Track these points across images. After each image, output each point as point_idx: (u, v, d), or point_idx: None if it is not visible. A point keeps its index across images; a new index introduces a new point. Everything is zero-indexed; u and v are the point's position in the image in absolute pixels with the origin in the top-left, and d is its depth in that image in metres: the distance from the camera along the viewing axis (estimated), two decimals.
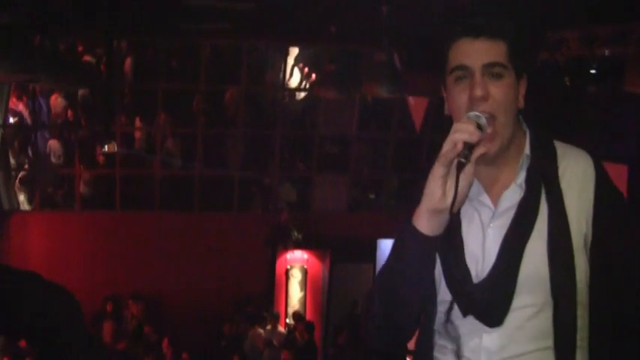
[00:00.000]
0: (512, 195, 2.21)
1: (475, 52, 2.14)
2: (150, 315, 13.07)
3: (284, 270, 14.92)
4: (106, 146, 12.29)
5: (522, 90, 2.22)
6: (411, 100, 14.97)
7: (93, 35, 12.57)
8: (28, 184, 14.19)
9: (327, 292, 15.11)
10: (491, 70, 2.12)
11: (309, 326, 12.85)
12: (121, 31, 11.81)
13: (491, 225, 2.22)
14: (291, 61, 15.13)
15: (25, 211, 14.11)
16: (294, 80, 15.23)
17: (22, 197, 14.22)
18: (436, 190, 2.04)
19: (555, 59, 8.66)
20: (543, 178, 2.21)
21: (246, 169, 14.67)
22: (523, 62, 2.21)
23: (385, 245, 17.32)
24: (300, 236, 14.29)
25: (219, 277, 13.93)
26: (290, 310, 14.63)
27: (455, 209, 2.05)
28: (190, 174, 14.47)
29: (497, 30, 2.15)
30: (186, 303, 13.71)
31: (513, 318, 2.16)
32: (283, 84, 14.88)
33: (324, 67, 13.30)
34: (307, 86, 15.04)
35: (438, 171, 2.03)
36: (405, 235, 2.13)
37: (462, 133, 2.00)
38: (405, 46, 10.28)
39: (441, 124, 13.76)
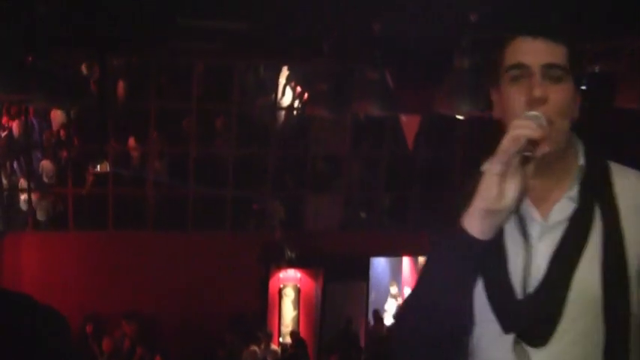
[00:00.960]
0: (564, 208, 2.07)
1: (535, 52, 2.02)
2: (143, 334, 13.02)
3: (277, 289, 14.92)
4: (99, 166, 12.29)
5: (579, 100, 2.10)
6: (404, 117, 15.01)
7: (86, 54, 12.58)
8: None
9: (321, 311, 15.10)
10: (550, 73, 2.00)
11: (302, 343, 12.85)
12: (113, 51, 11.82)
13: (540, 239, 2.07)
14: (283, 80, 15.18)
15: (18, 232, 14.07)
16: (287, 99, 15.27)
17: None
18: (492, 189, 1.91)
19: None
20: (598, 193, 2.08)
21: (238, 188, 14.66)
22: (581, 69, 2.11)
23: (378, 263, 17.37)
24: (293, 255, 14.28)
25: (212, 297, 13.89)
26: (283, 329, 14.63)
27: (512, 212, 1.95)
28: (183, 193, 14.46)
29: (559, 32, 2.04)
30: (180, 322, 13.66)
31: (559, 340, 2.02)
32: (275, 103, 14.92)
33: (316, 86, 13.33)
34: (299, 105, 15.07)
35: (495, 168, 1.90)
36: (452, 238, 1.99)
37: (524, 129, 1.88)
38: (397, 64, 10.30)
39: (433, 141, 13.84)
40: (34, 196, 14.21)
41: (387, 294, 17.45)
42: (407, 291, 16.67)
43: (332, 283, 15.05)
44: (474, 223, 1.94)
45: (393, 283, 17.50)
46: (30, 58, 9.62)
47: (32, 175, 14.12)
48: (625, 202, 2.07)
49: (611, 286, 2.00)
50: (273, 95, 14.87)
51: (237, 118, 14.61)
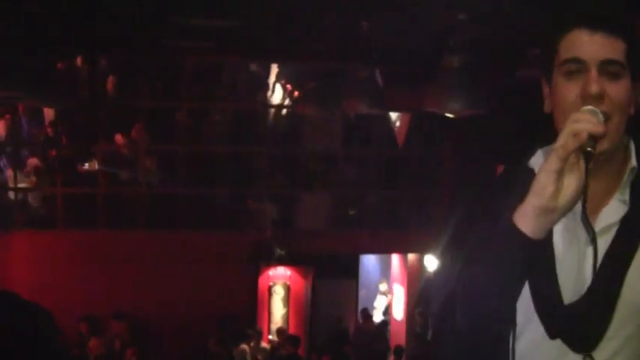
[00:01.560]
0: (615, 211, 1.99)
1: (593, 46, 1.91)
2: (133, 334, 13.01)
3: (267, 287, 14.92)
4: (87, 164, 12.27)
5: (635, 96, 1.99)
6: (394, 116, 15.06)
7: (76, 52, 12.57)
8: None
9: (310, 309, 15.12)
10: (608, 68, 1.90)
11: (295, 340, 12.86)
12: (104, 49, 11.83)
13: (589, 243, 1.96)
14: (273, 78, 15.20)
15: (7, 231, 14.02)
16: (277, 97, 15.29)
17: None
18: (548, 186, 1.80)
19: (537, 75, 8.74)
20: None
21: (228, 187, 14.67)
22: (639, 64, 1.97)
23: (368, 261, 17.41)
24: (282, 253, 14.29)
25: (202, 295, 13.88)
26: (273, 327, 14.63)
27: (568, 211, 1.86)
28: (173, 192, 14.46)
29: (618, 26, 1.93)
30: (170, 321, 13.65)
31: (604, 347, 1.96)
32: (266, 101, 14.93)
33: (306, 84, 13.37)
34: (290, 103, 15.09)
35: (552, 164, 1.79)
36: (501, 235, 1.89)
37: (585, 123, 1.79)
38: (386, 62, 10.34)
39: (423, 139, 13.85)
40: (22, 195, 14.19)
41: (376, 291, 17.48)
42: (396, 288, 16.71)
43: (322, 280, 15.07)
44: (527, 221, 1.85)
45: (383, 281, 17.53)
46: (20, 56, 9.64)
47: (21, 173, 14.07)
48: None
49: None
50: (264, 93, 14.90)
51: (227, 117, 14.62)
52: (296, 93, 14.69)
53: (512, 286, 1.93)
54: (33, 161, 14.16)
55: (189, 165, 14.41)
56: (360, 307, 15.87)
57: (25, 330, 2.84)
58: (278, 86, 15.20)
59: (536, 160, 2.02)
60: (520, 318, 2.01)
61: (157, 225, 14.41)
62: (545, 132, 1.87)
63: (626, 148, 2.04)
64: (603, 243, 1.97)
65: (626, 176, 2.00)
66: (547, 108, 2.04)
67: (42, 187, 14.11)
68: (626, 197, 1.99)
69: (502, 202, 1.93)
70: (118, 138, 14.34)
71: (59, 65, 13.55)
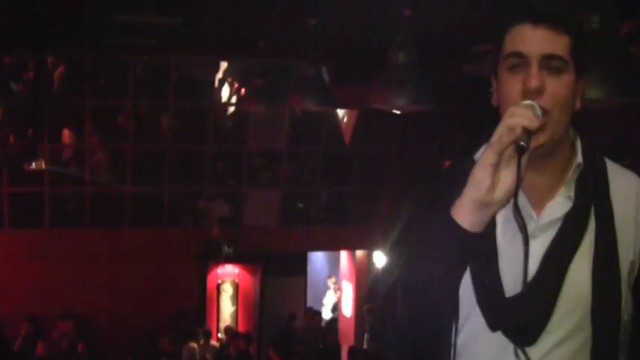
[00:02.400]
0: (560, 206, 2.01)
1: (535, 40, 1.91)
2: (81, 333, 12.87)
3: (215, 285, 14.89)
4: (34, 163, 12.12)
5: (581, 91, 2.01)
6: (340, 113, 15.10)
7: (19, 51, 12.41)
8: None
9: (259, 306, 15.12)
10: (550, 63, 1.91)
11: (247, 338, 12.86)
12: (48, 47, 11.69)
13: (533, 237, 1.98)
14: (220, 75, 15.15)
15: None
16: (224, 95, 15.24)
17: None
18: (485, 180, 1.81)
19: (481, 71, 8.83)
20: (594, 192, 2.03)
21: (176, 185, 14.59)
22: (585, 60, 1.99)
23: (316, 258, 17.44)
24: (230, 251, 14.26)
25: (150, 293, 13.82)
26: (222, 325, 14.60)
27: (504, 204, 1.86)
28: (120, 190, 14.34)
29: (562, 20, 1.93)
30: (118, 320, 13.56)
31: (545, 339, 1.97)
32: (212, 99, 14.88)
33: (252, 82, 13.33)
34: (236, 101, 15.05)
35: (488, 158, 1.80)
36: (440, 229, 1.90)
37: (520, 117, 1.80)
38: (333, 59, 10.37)
39: (370, 136, 13.91)
40: None
41: (325, 288, 17.52)
42: (345, 285, 16.77)
43: (270, 277, 15.09)
44: (465, 215, 1.86)
45: (332, 276, 17.57)
46: None
47: None
48: (619, 204, 2.05)
49: (600, 287, 1.98)
50: (211, 91, 14.85)
51: (174, 114, 14.55)
52: (243, 90, 14.64)
53: (451, 279, 1.94)
54: None
55: (136, 163, 14.30)
56: (308, 304, 15.88)
57: None
58: (225, 84, 15.15)
59: (480, 154, 1.98)
60: (462, 310, 2.02)
61: (104, 223, 14.32)
62: (491, 127, 1.87)
63: (573, 145, 2.06)
64: (547, 237, 1.99)
65: (571, 172, 2.02)
66: (494, 101, 2.04)
67: None
68: (571, 193, 2.01)
69: (448, 197, 1.92)
70: (65, 134, 14.20)
71: (3, 63, 13.42)
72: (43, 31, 9.79)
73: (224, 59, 14.68)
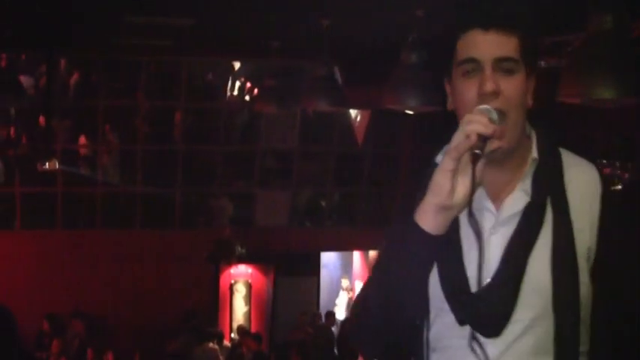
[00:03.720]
0: (517, 201, 2.09)
1: (486, 45, 2.00)
2: (93, 333, 12.92)
3: (228, 285, 14.91)
4: (47, 163, 12.17)
5: (532, 88, 2.09)
6: (353, 113, 15.10)
7: (33, 52, 12.47)
8: None
9: (272, 306, 15.12)
10: (502, 65, 1.99)
11: (257, 338, 12.84)
12: (61, 48, 11.73)
13: (493, 231, 2.08)
14: (232, 76, 15.16)
15: None
16: (236, 95, 15.25)
17: None
18: (444, 185, 1.91)
19: None
20: (550, 185, 2.10)
21: (188, 185, 14.62)
22: (534, 59, 2.09)
23: (328, 258, 17.44)
24: (243, 251, 14.28)
25: (162, 294, 13.85)
26: (235, 325, 14.61)
27: (464, 207, 1.95)
28: (132, 191, 14.38)
29: (510, 23, 2.02)
30: (130, 320, 13.59)
31: (512, 330, 2.04)
32: (224, 99, 14.89)
33: (264, 82, 13.35)
34: (249, 101, 15.05)
35: (447, 164, 1.90)
36: (404, 233, 1.99)
37: (476, 124, 1.88)
38: (345, 60, 10.36)
39: (382, 137, 13.91)
40: None
41: (338, 288, 17.52)
42: (358, 285, 16.76)
43: (283, 278, 15.09)
44: (427, 219, 1.95)
45: (345, 277, 17.57)
46: None
47: None
48: (573, 192, 2.10)
49: (560, 276, 2.04)
50: (222, 92, 14.86)
51: (186, 115, 14.58)
52: (255, 91, 14.66)
53: (418, 279, 2.04)
54: None
55: (147, 164, 14.33)
56: (321, 305, 15.86)
57: None
58: (237, 84, 15.16)
59: (441, 158, 2.07)
60: (433, 307, 2.12)
61: (116, 224, 14.35)
62: (451, 131, 1.95)
63: (529, 140, 2.14)
64: (507, 231, 2.06)
65: (527, 167, 2.10)
66: (449, 106, 2.14)
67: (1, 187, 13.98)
68: (528, 188, 2.08)
69: (416, 199, 2.01)
70: (80, 139, 14.27)
71: (17, 65, 13.48)
72: (55, 32, 9.83)
73: (236, 60, 14.69)
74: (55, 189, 13.92)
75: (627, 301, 2.14)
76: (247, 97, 15.12)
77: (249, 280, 15.10)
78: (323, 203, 15.91)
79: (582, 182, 2.12)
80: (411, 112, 7.89)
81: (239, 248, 14.04)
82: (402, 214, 2.10)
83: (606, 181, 2.15)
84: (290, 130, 15.01)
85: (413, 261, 2.00)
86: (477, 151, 1.87)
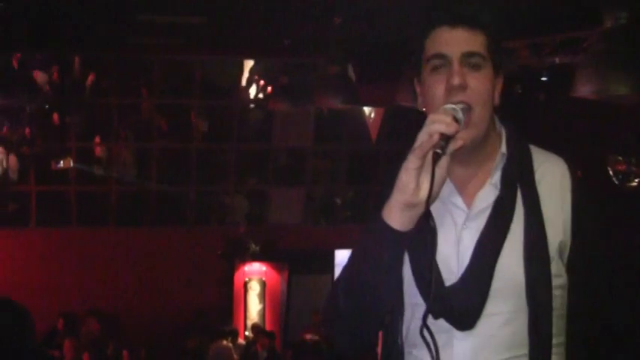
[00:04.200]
0: (487, 195, 2.13)
1: (454, 41, 2.07)
2: (107, 331, 12.95)
3: (242, 283, 14.91)
4: (62, 162, 12.21)
5: (499, 87, 2.16)
6: (366, 111, 15.05)
7: (46, 51, 12.48)
8: None
9: (286, 304, 15.12)
10: (469, 60, 2.06)
11: (271, 335, 12.84)
12: (74, 47, 11.74)
13: (465, 226, 2.13)
14: (245, 74, 15.14)
15: None
16: (249, 93, 15.24)
17: None
18: (409, 183, 1.94)
19: (506, 68, 8.78)
20: (519, 179, 2.15)
21: (202, 183, 14.63)
22: (500, 57, 2.15)
23: (342, 256, 17.40)
24: (257, 249, 14.29)
25: (177, 292, 13.87)
26: (249, 323, 14.62)
27: (429, 204, 1.96)
28: (146, 189, 14.40)
29: (477, 20, 2.09)
30: (145, 318, 13.62)
31: (486, 323, 2.08)
32: (237, 97, 14.89)
33: (278, 80, 13.33)
34: (262, 99, 15.05)
35: (411, 163, 1.93)
36: (374, 230, 2.04)
37: (438, 124, 1.92)
38: (358, 57, 10.33)
39: (396, 134, 13.87)
40: None
41: None
42: None
43: (297, 275, 15.09)
44: (394, 216, 1.98)
45: None
46: None
47: None
48: (544, 186, 2.15)
49: (532, 268, 2.07)
50: (236, 89, 14.86)
51: (199, 113, 14.60)
52: (268, 89, 14.65)
53: (388, 275, 2.07)
54: (11, 158, 14.06)
55: (162, 162, 14.36)
56: None
57: (1, 324, 2.81)
58: (251, 82, 15.16)
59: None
60: (407, 301, 2.18)
61: (131, 222, 14.37)
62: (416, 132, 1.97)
63: (499, 136, 2.19)
64: (478, 225, 2.11)
65: (496, 162, 2.14)
66: (420, 105, 2.20)
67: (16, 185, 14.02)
68: (497, 182, 2.13)
69: (385, 197, 2.04)
70: (94, 137, 14.30)
71: (31, 64, 13.50)
72: (68, 31, 9.84)
73: (250, 58, 14.68)
74: (69, 187, 13.96)
75: (602, 292, 2.20)
76: (261, 96, 15.10)
77: (264, 278, 15.10)
78: (337, 201, 15.88)
79: (552, 176, 2.17)
80: (423, 109, 7.86)
81: (253, 246, 14.05)
82: (376, 212, 2.12)
83: (576, 174, 2.19)
84: (304, 127, 14.99)
85: (381, 257, 2.03)
86: (438, 151, 1.90)
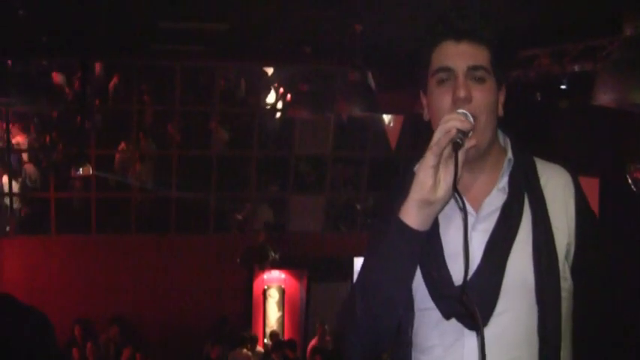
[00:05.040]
0: (495, 199, 2.20)
1: (459, 55, 2.15)
2: (127, 338, 13.00)
3: (261, 290, 14.92)
4: (81, 169, 12.24)
5: (502, 99, 2.24)
6: (386, 118, 15.06)
7: (67, 58, 12.56)
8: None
9: (305, 312, 15.11)
10: (474, 74, 2.14)
11: (292, 346, 12.79)
12: (96, 54, 11.81)
13: (473, 229, 2.18)
14: (265, 81, 15.18)
15: (1, 236, 13.99)
16: (270, 101, 15.28)
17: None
18: (427, 180, 2.01)
19: (527, 76, 8.77)
20: (526, 184, 2.22)
21: (222, 190, 14.66)
22: (503, 71, 2.23)
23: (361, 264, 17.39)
24: (276, 256, 14.29)
25: (196, 299, 13.89)
26: (268, 330, 14.61)
27: (447, 202, 2.05)
28: (166, 196, 14.44)
29: (481, 35, 2.17)
30: (164, 325, 13.65)
31: (496, 323, 2.12)
32: (258, 105, 14.92)
33: (298, 87, 13.36)
34: (282, 106, 15.09)
35: (429, 160, 2.01)
36: (391, 230, 2.09)
37: (454, 121, 2.01)
38: (378, 65, 10.34)
39: (415, 141, 13.85)
40: (17, 200, 14.18)
41: None
42: None
43: (316, 283, 15.08)
44: (411, 215, 2.05)
45: None
46: (10, 63, 9.64)
47: (15, 178, 14.05)
48: (550, 193, 2.23)
49: (541, 267, 2.14)
50: (257, 97, 14.89)
51: (220, 120, 14.63)
52: (289, 96, 14.68)
53: (404, 276, 2.14)
54: (29, 167, 14.15)
55: (182, 169, 14.39)
56: None
57: (23, 332, 2.83)
58: (271, 90, 15.19)
59: (418, 167, 2.14)
60: (417, 304, 2.23)
61: (151, 229, 14.40)
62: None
63: (504, 144, 2.30)
64: (487, 228, 2.18)
65: (503, 168, 2.23)
66: (426, 116, 2.30)
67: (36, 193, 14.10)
68: (505, 186, 2.22)
69: (395, 204, 2.11)
70: (114, 145, 14.35)
71: (51, 71, 13.59)
72: (91, 38, 9.90)
73: (271, 65, 14.71)
74: (89, 194, 14.02)
75: (607, 296, 2.28)
76: (281, 103, 15.14)
77: (283, 286, 15.10)
78: (358, 207, 15.87)
79: (556, 183, 2.26)
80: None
81: (272, 253, 14.06)
82: (381, 221, 2.22)
83: (578, 183, 2.29)
84: (324, 135, 15.00)
85: (400, 257, 2.10)
86: (457, 140, 1.99)
